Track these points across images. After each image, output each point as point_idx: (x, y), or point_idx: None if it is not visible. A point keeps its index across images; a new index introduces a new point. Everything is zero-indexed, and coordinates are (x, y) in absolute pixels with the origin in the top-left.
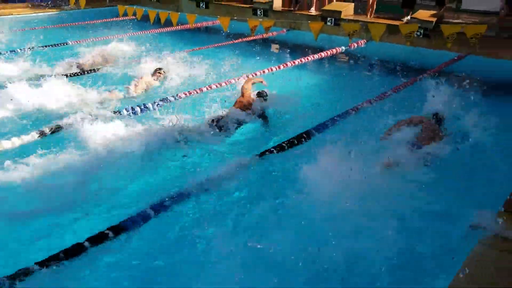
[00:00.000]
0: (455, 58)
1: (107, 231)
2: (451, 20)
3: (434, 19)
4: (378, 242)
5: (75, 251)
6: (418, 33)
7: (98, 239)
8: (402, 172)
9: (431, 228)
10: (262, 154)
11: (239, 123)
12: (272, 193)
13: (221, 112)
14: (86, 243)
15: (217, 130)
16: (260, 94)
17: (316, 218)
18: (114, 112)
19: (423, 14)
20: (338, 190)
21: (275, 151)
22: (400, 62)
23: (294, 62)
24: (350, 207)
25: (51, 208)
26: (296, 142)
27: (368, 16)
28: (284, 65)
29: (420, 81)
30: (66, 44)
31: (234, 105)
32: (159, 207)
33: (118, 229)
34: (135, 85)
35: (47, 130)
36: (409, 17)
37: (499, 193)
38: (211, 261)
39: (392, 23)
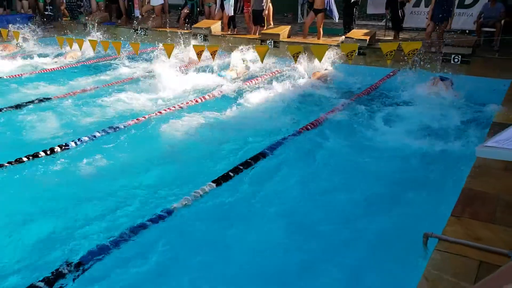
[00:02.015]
0: (390, 73)
1: None
2: (382, 38)
3: (367, 37)
4: (334, 250)
5: None
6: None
7: None
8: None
9: (385, 237)
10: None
11: None
12: None
13: None
14: None
15: None
16: None
17: None
18: None
19: (357, 33)
20: None
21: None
22: (342, 80)
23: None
24: None
25: None
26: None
27: (317, 38)
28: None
29: (362, 97)
30: None
31: None
32: None
33: None
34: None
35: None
36: (343, 37)
37: (449, 200)
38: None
39: (332, 43)
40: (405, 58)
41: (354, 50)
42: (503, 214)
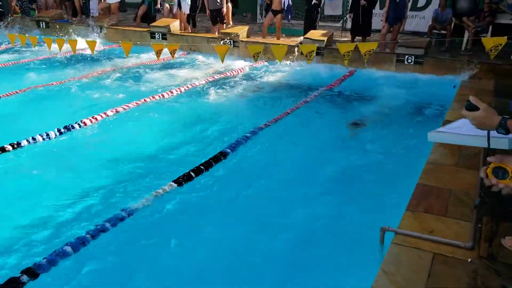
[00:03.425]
0: (347, 73)
1: None
2: (339, 39)
3: (325, 38)
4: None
5: None
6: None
7: None
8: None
9: (343, 231)
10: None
11: None
12: None
13: None
14: None
15: None
16: None
17: None
18: None
19: (315, 34)
20: None
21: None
22: (300, 79)
23: (194, 84)
24: None
25: None
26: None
27: (276, 38)
28: (186, 87)
29: (319, 96)
30: None
31: None
32: None
33: None
34: None
35: None
36: (302, 38)
37: (404, 194)
38: None
39: (290, 44)
40: (361, 58)
41: (313, 50)
42: (455, 207)
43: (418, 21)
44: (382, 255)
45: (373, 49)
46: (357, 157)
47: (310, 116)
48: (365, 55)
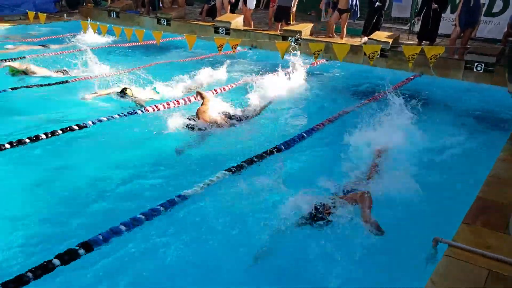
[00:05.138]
0: (411, 77)
1: None
2: (405, 42)
3: (390, 40)
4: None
5: None
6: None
7: None
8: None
9: (396, 242)
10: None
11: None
12: None
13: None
14: None
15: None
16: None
17: None
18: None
19: (380, 35)
20: None
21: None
22: (361, 80)
23: (254, 79)
24: None
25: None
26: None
27: (340, 37)
28: (243, 81)
29: (378, 100)
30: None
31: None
32: None
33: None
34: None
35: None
36: (366, 39)
37: (460, 207)
38: None
39: (354, 44)
40: (427, 62)
41: (377, 51)
42: None
43: (492, 27)
44: (433, 266)
45: (439, 54)
46: (417, 166)
47: (363, 119)
48: (431, 59)
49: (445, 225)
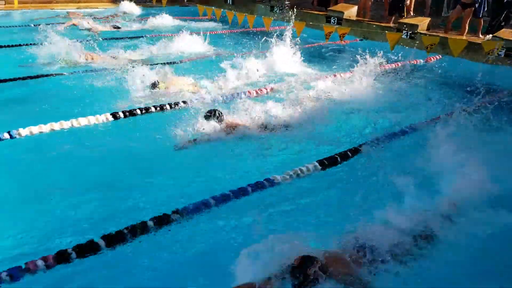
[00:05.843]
0: None
1: None
2: None
3: None
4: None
5: None
6: (500, 52)
7: None
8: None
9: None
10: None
11: None
12: None
13: None
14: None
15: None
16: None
17: None
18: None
19: (506, 34)
20: None
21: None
22: (479, 79)
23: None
24: None
25: None
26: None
27: (461, 34)
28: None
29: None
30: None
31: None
32: None
33: None
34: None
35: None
36: (490, 36)
37: None
38: None
39: (472, 40)
40: None
41: (497, 49)
42: None
43: None
44: None
45: None
46: None
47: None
48: None
49: None
